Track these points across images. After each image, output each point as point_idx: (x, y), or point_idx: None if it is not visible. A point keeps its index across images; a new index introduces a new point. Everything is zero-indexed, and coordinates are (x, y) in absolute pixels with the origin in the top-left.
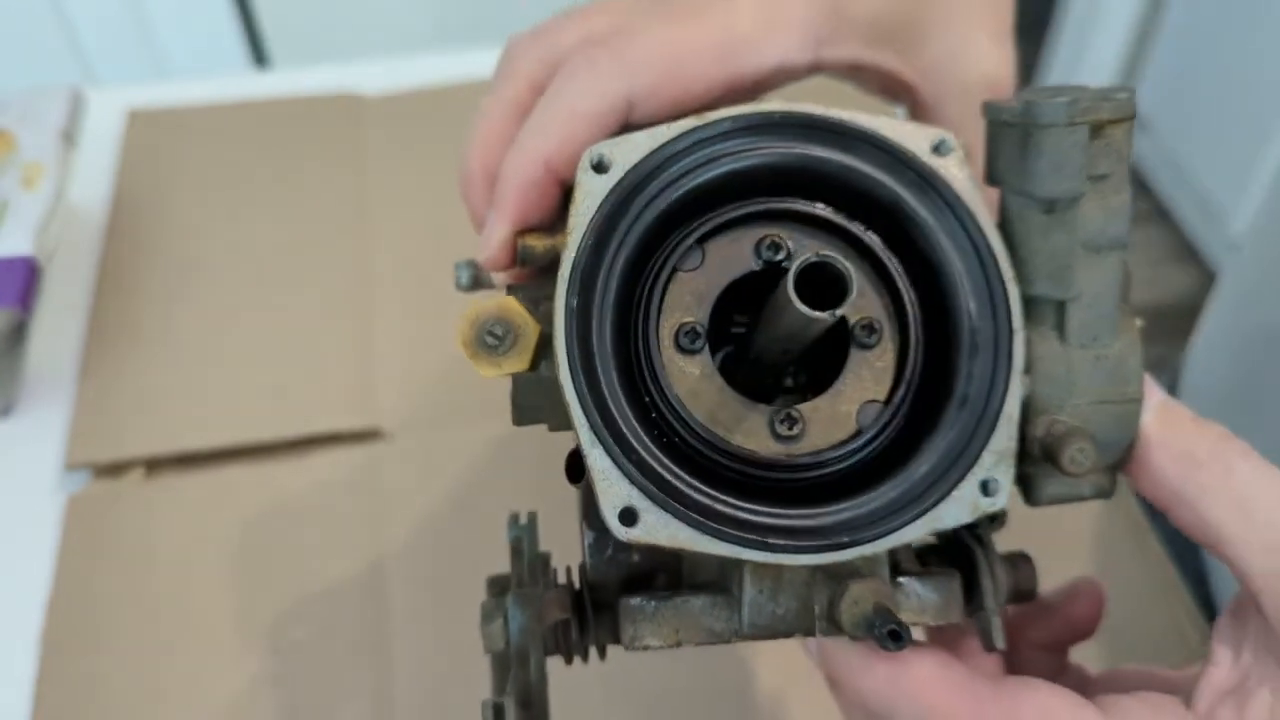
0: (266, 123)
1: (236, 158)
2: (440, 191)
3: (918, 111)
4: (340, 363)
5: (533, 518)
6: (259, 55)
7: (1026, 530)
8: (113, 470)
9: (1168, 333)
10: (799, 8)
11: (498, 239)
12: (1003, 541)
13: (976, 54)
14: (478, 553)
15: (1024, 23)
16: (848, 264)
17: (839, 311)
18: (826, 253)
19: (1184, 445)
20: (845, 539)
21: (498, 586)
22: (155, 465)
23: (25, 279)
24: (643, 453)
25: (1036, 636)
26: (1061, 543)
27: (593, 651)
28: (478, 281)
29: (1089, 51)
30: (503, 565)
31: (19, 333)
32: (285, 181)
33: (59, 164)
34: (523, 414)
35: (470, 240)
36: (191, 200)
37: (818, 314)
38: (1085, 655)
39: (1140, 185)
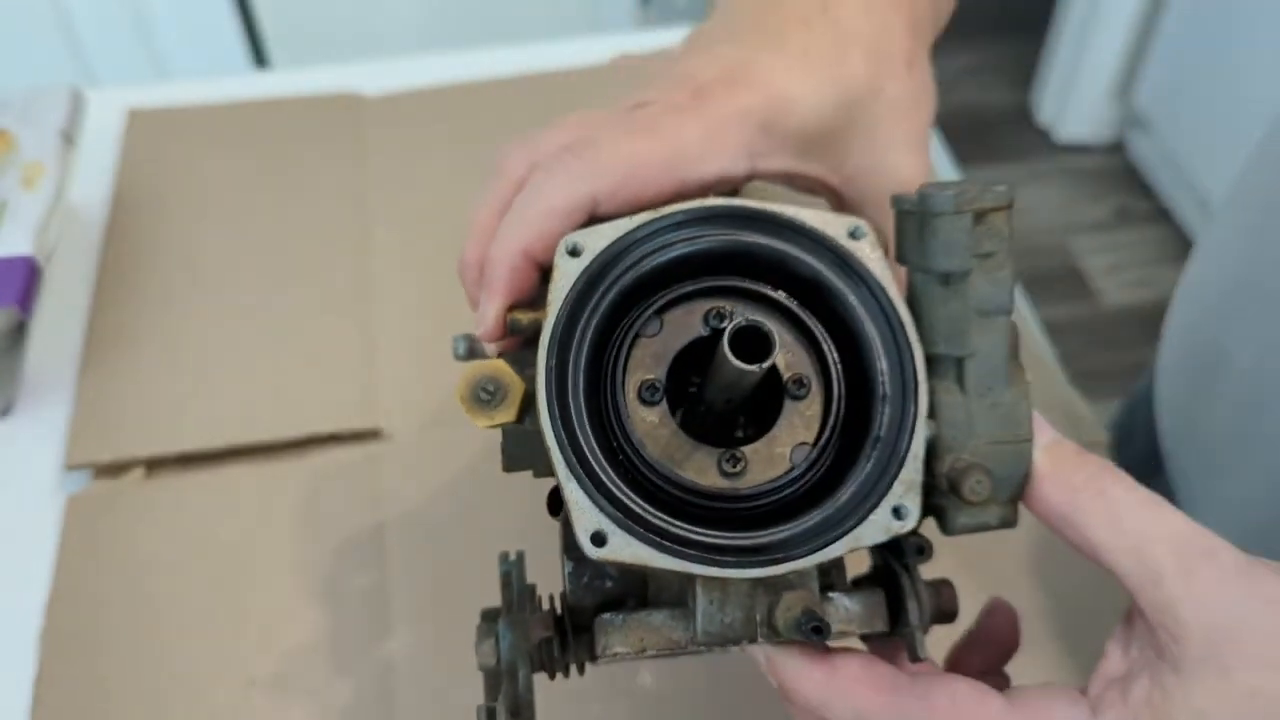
0: (266, 122)
1: (236, 157)
2: (440, 192)
3: (842, 209)
4: (340, 363)
5: (520, 555)
6: (259, 57)
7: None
8: (113, 470)
9: None
10: (737, 128)
11: (491, 314)
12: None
13: (893, 165)
14: (477, 552)
15: (1024, 23)
16: (770, 326)
17: (765, 365)
18: (754, 317)
19: (1067, 476)
20: (780, 555)
21: (490, 617)
22: (155, 465)
23: (25, 279)
24: (610, 486)
25: (975, 663)
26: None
27: (573, 669)
28: (473, 352)
29: (1089, 51)
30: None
31: (19, 332)
32: (285, 181)
33: (59, 164)
34: (511, 461)
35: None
36: (191, 200)
37: (748, 367)
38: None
39: (1140, 185)
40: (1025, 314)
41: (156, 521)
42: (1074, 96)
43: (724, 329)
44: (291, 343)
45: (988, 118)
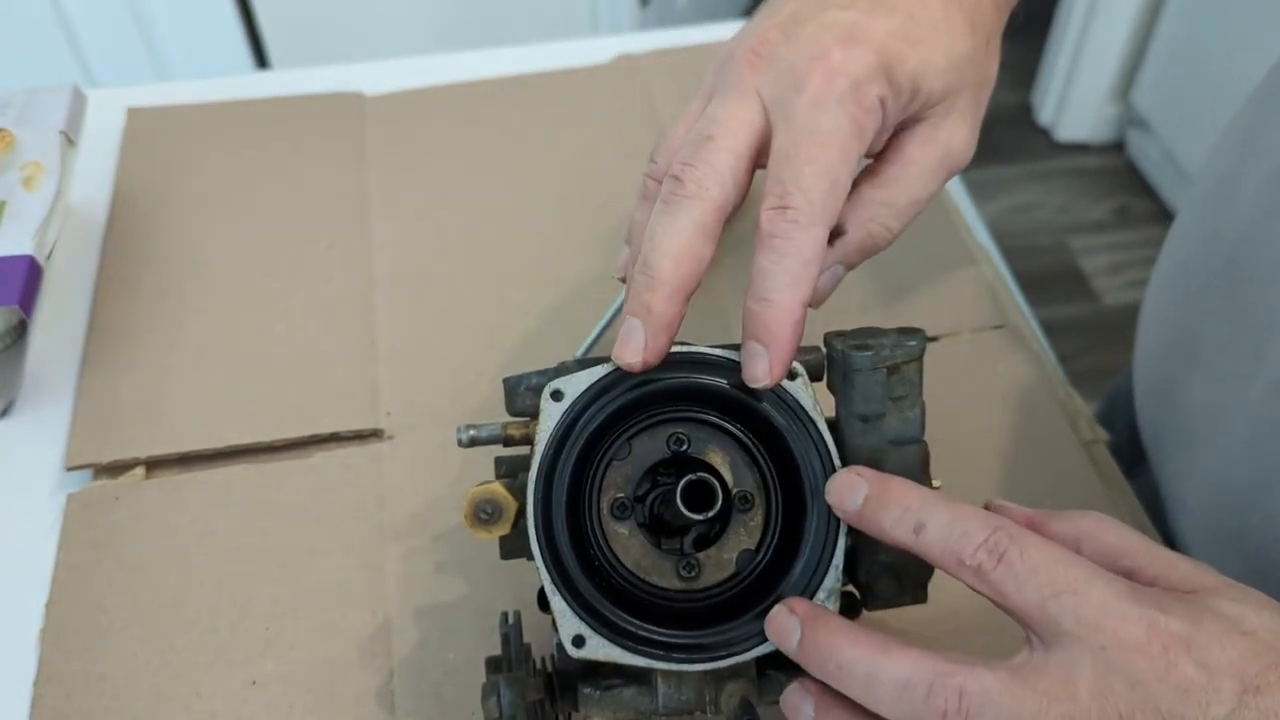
0: (267, 121)
1: (237, 156)
2: (441, 191)
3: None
4: (340, 363)
5: (518, 615)
6: (259, 57)
7: None
8: (113, 470)
9: None
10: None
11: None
12: None
13: (947, 135)
14: (478, 552)
15: (1024, 23)
16: (715, 483)
17: (710, 514)
18: (703, 474)
19: None
20: (722, 653)
21: (493, 665)
22: (155, 465)
23: (26, 278)
24: (588, 596)
25: None
26: None
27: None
28: (474, 441)
29: (1089, 52)
30: (499, 566)
31: (19, 332)
32: (286, 180)
33: (59, 164)
34: (507, 553)
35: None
36: (192, 200)
37: (695, 516)
38: None
39: (1140, 185)
40: (1025, 314)
41: (157, 521)
42: (1074, 96)
43: (684, 451)
44: (292, 342)
45: (988, 118)
